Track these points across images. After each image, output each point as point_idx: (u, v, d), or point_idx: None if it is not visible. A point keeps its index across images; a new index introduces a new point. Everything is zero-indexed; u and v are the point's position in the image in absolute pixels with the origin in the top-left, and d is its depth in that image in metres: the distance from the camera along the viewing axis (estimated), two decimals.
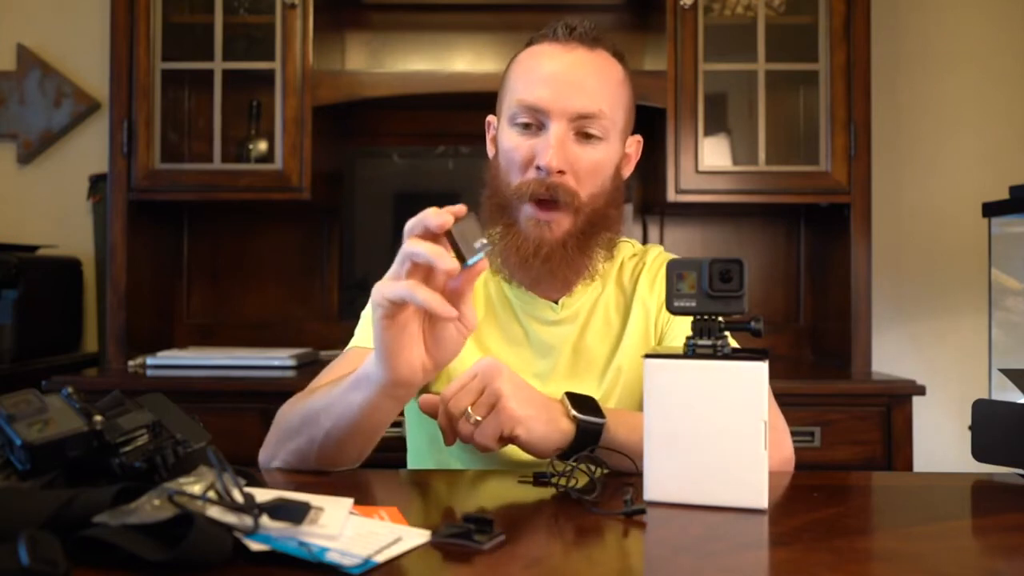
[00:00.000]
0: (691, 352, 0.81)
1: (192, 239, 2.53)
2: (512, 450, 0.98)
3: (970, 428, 0.98)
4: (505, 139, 1.14)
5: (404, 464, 1.27)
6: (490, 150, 1.21)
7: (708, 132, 2.25)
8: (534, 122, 1.11)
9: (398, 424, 1.29)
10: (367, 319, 1.15)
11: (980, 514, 0.86)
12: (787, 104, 2.39)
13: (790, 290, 2.54)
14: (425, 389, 1.16)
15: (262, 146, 2.36)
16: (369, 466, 1.02)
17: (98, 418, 0.69)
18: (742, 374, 0.79)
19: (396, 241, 0.89)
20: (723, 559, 0.67)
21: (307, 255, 2.54)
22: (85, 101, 2.53)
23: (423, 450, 1.21)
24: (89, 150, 2.53)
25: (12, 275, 2.16)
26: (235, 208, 2.47)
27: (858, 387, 2.01)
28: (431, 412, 1.00)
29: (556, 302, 1.18)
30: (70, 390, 0.71)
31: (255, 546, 0.62)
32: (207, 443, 0.73)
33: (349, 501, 0.71)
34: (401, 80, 2.26)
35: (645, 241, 2.40)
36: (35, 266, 2.26)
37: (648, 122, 2.21)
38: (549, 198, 1.09)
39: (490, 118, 1.22)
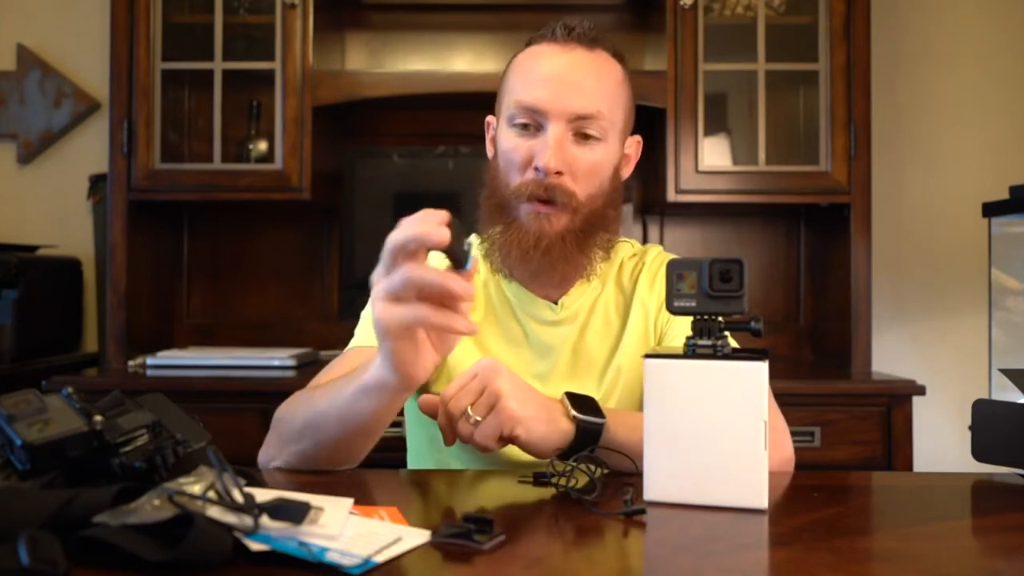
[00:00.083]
0: (691, 352, 0.81)
1: (192, 239, 2.53)
2: (512, 450, 0.98)
3: (970, 428, 0.98)
4: (504, 140, 1.14)
5: (404, 464, 1.27)
6: (489, 150, 1.21)
7: (708, 132, 2.25)
8: (532, 123, 1.11)
9: (398, 424, 1.29)
10: (367, 319, 1.15)
11: (980, 514, 0.86)
12: (787, 104, 2.39)
13: (790, 290, 2.54)
14: (425, 389, 1.16)
15: (262, 146, 2.36)
16: (369, 466, 1.02)
17: (98, 418, 0.69)
18: (742, 374, 0.79)
19: None
20: (723, 559, 0.67)
21: (307, 255, 2.54)
22: (85, 101, 2.53)
23: (423, 450, 1.21)
24: (89, 150, 2.53)
25: (12, 275, 2.16)
26: (235, 208, 2.47)
27: (858, 387, 2.01)
28: (431, 412, 1.00)
29: (555, 302, 1.18)
30: (70, 390, 0.71)
31: (255, 546, 0.62)
32: (207, 443, 0.73)
33: (349, 501, 0.71)
34: (401, 80, 2.26)
35: (645, 241, 2.40)
36: (35, 266, 2.26)
37: (648, 122, 2.21)
38: (547, 199, 1.09)
39: (489, 118, 1.22)
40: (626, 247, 1.25)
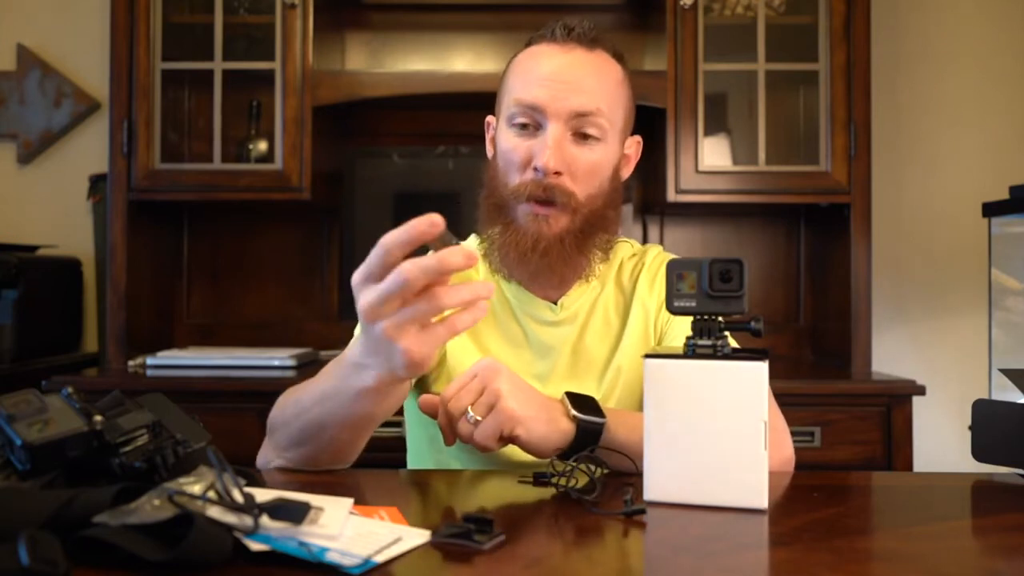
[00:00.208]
0: (691, 352, 0.81)
1: (192, 239, 2.53)
2: (512, 450, 0.98)
3: (970, 428, 0.98)
4: (503, 140, 1.14)
5: (404, 464, 1.27)
6: (489, 150, 1.21)
7: (708, 132, 2.25)
8: (532, 123, 1.11)
9: (398, 424, 1.29)
10: None
11: (980, 514, 0.86)
12: (787, 104, 2.39)
13: (790, 290, 2.54)
14: (425, 389, 1.16)
15: (262, 146, 2.36)
16: (369, 466, 1.02)
17: (98, 418, 0.69)
18: (742, 374, 0.79)
19: None
20: (723, 559, 0.67)
21: (307, 255, 2.54)
22: (85, 101, 2.53)
23: (423, 450, 1.21)
24: (89, 150, 2.53)
25: (12, 275, 2.16)
26: (235, 208, 2.47)
27: (858, 387, 2.01)
28: (431, 412, 1.00)
29: (555, 303, 1.18)
30: (70, 390, 0.71)
31: (255, 546, 0.62)
32: (207, 443, 0.73)
33: (349, 501, 0.71)
34: (401, 80, 2.26)
35: (645, 241, 2.40)
36: (35, 266, 2.26)
37: (648, 122, 2.21)
38: (546, 199, 1.09)
39: (489, 119, 1.22)
40: (626, 247, 1.25)
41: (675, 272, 0.82)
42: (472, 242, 1.23)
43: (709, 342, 0.81)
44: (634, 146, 1.21)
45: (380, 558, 0.63)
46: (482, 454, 1.07)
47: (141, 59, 2.18)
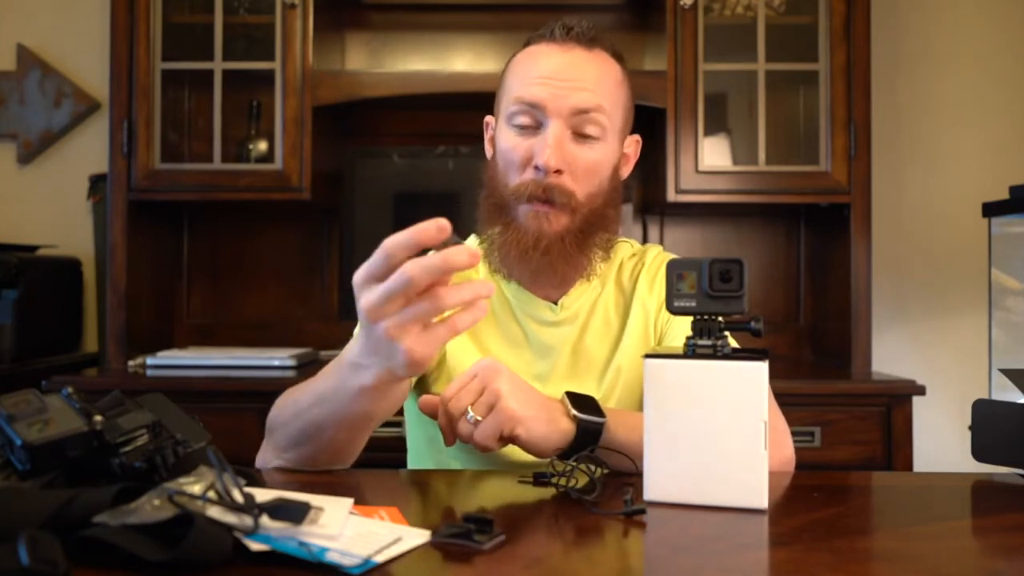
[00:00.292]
0: (691, 352, 0.81)
1: (192, 239, 2.53)
2: (512, 450, 0.98)
3: (970, 428, 0.98)
4: (503, 139, 1.14)
5: (404, 464, 1.27)
6: (488, 151, 1.21)
7: (708, 132, 2.25)
8: (532, 122, 1.11)
9: (398, 424, 1.29)
10: None
11: (980, 514, 0.86)
12: (787, 104, 2.39)
13: (790, 290, 2.54)
14: (425, 389, 1.16)
15: (262, 146, 2.36)
16: (369, 466, 1.02)
17: (98, 418, 0.69)
18: (742, 374, 0.79)
19: None
20: (723, 559, 0.67)
21: (307, 255, 2.54)
22: (85, 101, 2.53)
23: (422, 450, 1.21)
24: (89, 150, 2.53)
25: (12, 275, 2.16)
26: (235, 208, 2.47)
27: (858, 387, 2.01)
28: (431, 413, 1.00)
29: (555, 303, 1.18)
30: (70, 390, 0.71)
31: (255, 546, 0.62)
32: (207, 443, 0.73)
33: (349, 501, 0.71)
34: (401, 80, 2.26)
35: (645, 241, 2.40)
36: (35, 266, 2.26)
37: (648, 122, 2.21)
38: (546, 199, 1.09)
39: (488, 119, 1.22)
40: (625, 247, 1.25)
41: (675, 272, 0.82)
42: (472, 242, 1.23)
43: (709, 342, 0.81)
44: (633, 145, 1.21)
45: (380, 558, 0.63)
46: (482, 454, 1.07)
47: (141, 59, 2.18)
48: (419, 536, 0.68)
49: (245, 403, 1.94)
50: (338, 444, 0.96)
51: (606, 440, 0.96)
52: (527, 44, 1.17)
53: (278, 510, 0.64)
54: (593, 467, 0.89)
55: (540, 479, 0.89)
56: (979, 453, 0.97)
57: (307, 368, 2.13)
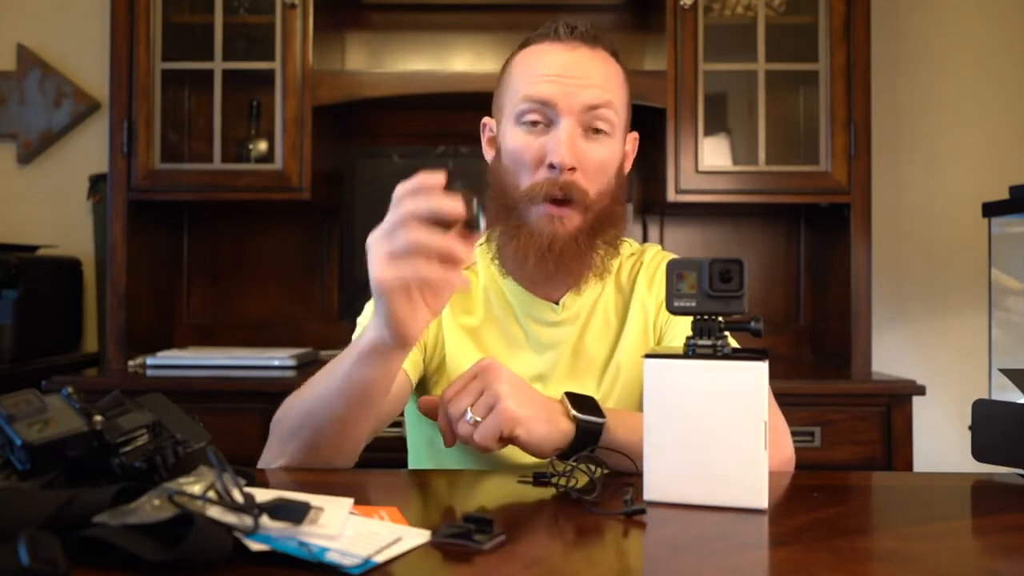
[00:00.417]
0: (691, 352, 0.81)
1: (192, 239, 2.53)
2: (512, 451, 0.98)
3: (970, 428, 0.98)
4: (510, 139, 1.12)
5: (404, 465, 1.27)
6: (487, 153, 1.21)
7: (708, 132, 2.25)
8: (542, 119, 1.10)
9: (398, 424, 1.29)
10: (365, 322, 1.15)
11: (980, 514, 0.86)
12: (787, 104, 2.39)
13: (790, 290, 2.54)
14: (425, 391, 1.16)
15: (262, 146, 2.36)
16: (369, 466, 1.02)
17: (98, 418, 0.69)
18: (742, 374, 0.79)
19: None
20: (723, 559, 0.67)
21: (307, 255, 2.54)
22: (85, 101, 2.53)
23: (422, 453, 1.21)
24: (89, 150, 2.53)
25: (12, 275, 2.16)
26: (235, 208, 2.47)
27: (858, 387, 2.01)
28: (431, 413, 1.00)
29: (556, 303, 1.18)
30: (70, 390, 0.71)
31: (255, 546, 0.62)
32: (207, 443, 0.73)
33: (349, 501, 0.71)
34: (401, 80, 2.26)
35: (645, 241, 2.40)
36: (35, 266, 2.26)
37: (648, 122, 2.21)
38: (563, 198, 1.09)
39: (486, 120, 1.21)
40: (624, 246, 1.25)
41: (675, 272, 0.82)
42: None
43: (709, 342, 0.81)
44: (631, 143, 1.21)
45: (380, 558, 0.63)
46: (482, 455, 1.07)
47: (141, 59, 2.18)
48: (419, 536, 0.68)
49: (245, 403, 1.94)
50: (337, 423, 0.95)
51: (606, 440, 0.96)
52: (525, 44, 1.17)
53: (278, 510, 0.64)
54: (593, 467, 0.89)
55: (540, 479, 0.89)
56: (979, 453, 0.97)
57: (307, 368, 2.13)
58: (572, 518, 0.78)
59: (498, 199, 1.13)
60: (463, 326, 1.17)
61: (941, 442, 2.45)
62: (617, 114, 1.12)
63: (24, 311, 2.18)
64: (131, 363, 2.16)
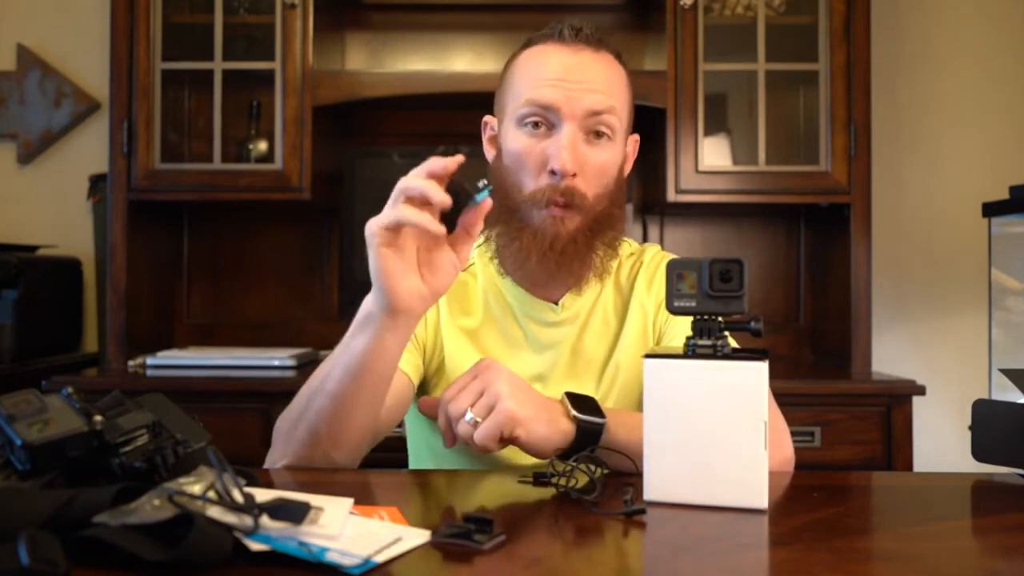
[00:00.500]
0: (691, 352, 0.81)
1: (192, 239, 2.53)
2: (512, 451, 0.98)
3: (970, 428, 0.98)
4: (512, 141, 1.12)
5: (404, 465, 1.27)
6: (488, 151, 1.21)
7: (708, 132, 2.25)
8: (544, 122, 1.10)
9: (399, 424, 1.29)
10: None
11: (980, 514, 0.86)
12: (787, 104, 2.39)
13: (790, 290, 2.54)
14: (425, 393, 1.16)
15: (262, 146, 2.36)
16: (369, 466, 1.02)
17: (98, 418, 0.69)
18: (742, 374, 0.79)
19: None
20: (723, 559, 0.67)
21: (307, 255, 2.54)
22: (85, 101, 2.53)
23: (422, 453, 1.21)
24: (89, 150, 2.53)
25: (12, 275, 2.16)
26: (235, 208, 2.47)
27: (858, 387, 2.01)
28: (431, 414, 1.00)
29: (556, 303, 1.17)
30: (70, 390, 0.71)
31: (255, 546, 0.62)
32: (207, 443, 0.73)
33: (349, 501, 0.71)
34: (401, 80, 2.26)
35: (645, 241, 2.40)
36: (35, 266, 2.26)
37: (648, 122, 2.21)
38: (565, 203, 1.09)
39: (487, 119, 1.21)
40: (624, 246, 1.25)
41: (675, 272, 0.82)
42: (469, 254, 1.23)
43: (709, 342, 0.81)
44: (632, 144, 1.21)
45: (380, 558, 0.63)
46: (482, 456, 1.07)
47: (141, 59, 2.18)
48: (419, 536, 0.68)
49: (245, 403, 1.94)
50: (335, 402, 0.95)
51: (606, 440, 0.96)
52: (528, 44, 1.16)
53: (278, 510, 0.64)
54: (593, 467, 0.89)
55: (540, 479, 0.89)
56: (979, 453, 0.97)
57: (307, 368, 2.13)
58: (572, 518, 0.78)
59: (500, 200, 1.13)
60: (462, 328, 1.17)
61: (941, 442, 2.45)
62: (619, 119, 1.12)
63: (24, 311, 2.18)
64: (131, 363, 2.16)
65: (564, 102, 1.08)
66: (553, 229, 1.09)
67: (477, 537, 0.67)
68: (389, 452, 1.33)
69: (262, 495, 0.65)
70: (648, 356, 0.81)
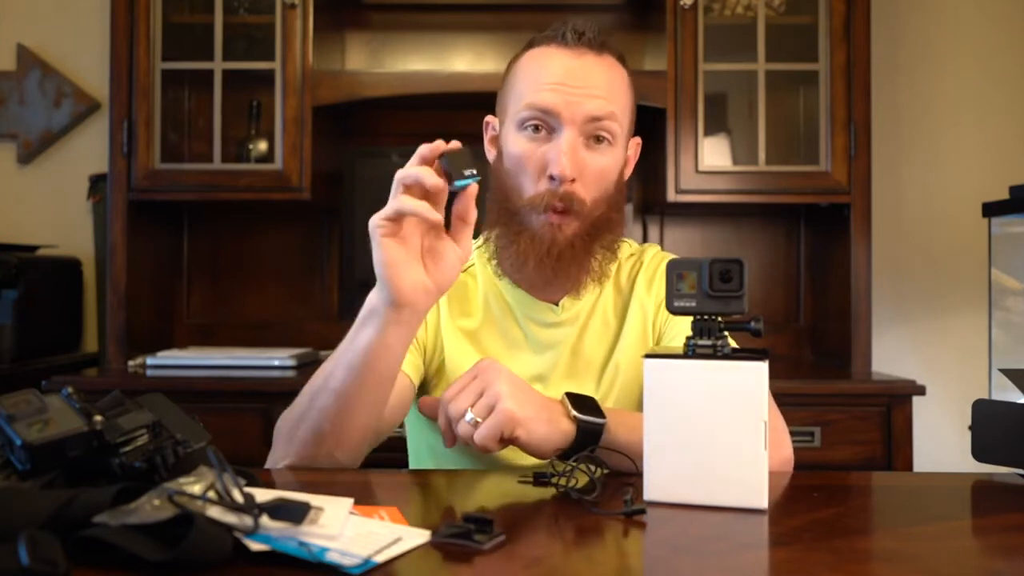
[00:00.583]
0: (691, 352, 0.81)
1: (192, 239, 2.53)
2: (512, 452, 0.98)
3: (970, 428, 0.98)
4: (512, 144, 1.12)
5: (404, 465, 1.27)
6: (489, 152, 1.20)
7: (708, 132, 2.25)
8: (544, 126, 1.09)
9: (399, 424, 1.29)
10: None
11: (980, 514, 0.86)
12: (787, 104, 2.39)
13: (790, 290, 2.54)
14: (425, 392, 1.16)
15: (262, 146, 2.36)
16: (369, 466, 1.02)
17: (98, 418, 0.69)
18: (742, 374, 0.79)
19: None
20: (723, 559, 0.67)
21: (307, 255, 2.54)
22: (85, 101, 2.53)
23: (423, 454, 1.21)
24: (89, 150, 2.53)
25: (12, 275, 2.16)
26: (235, 208, 2.47)
27: (858, 387, 2.01)
28: (431, 414, 1.00)
29: (556, 304, 1.17)
30: (70, 390, 0.71)
31: (255, 546, 0.62)
32: (207, 443, 0.73)
33: (349, 501, 0.71)
34: (401, 80, 2.26)
35: (645, 241, 2.40)
36: (35, 266, 2.26)
37: (648, 122, 2.21)
38: (564, 209, 1.09)
39: (489, 118, 1.21)
40: (624, 247, 1.25)
41: (675, 272, 0.82)
42: (471, 245, 1.23)
43: (709, 342, 0.81)
44: (634, 148, 1.21)
45: (380, 558, 0.63)
46: (482, 456, 1.07)
47: (141, 59, 2.18)
48: (419, 536, 0.68)
49: (245, 403, 1.94)
50: (338, 399, 0.95)
51: (606, 440, 0.96)
52: (531, 45, 1.16)
53: (278, 510, 0.64)
54: (593, 467, 0.89)
55: (540, 479, 0.89)
56: (979, 453, 0.97)
57: (307, 368, 2.13)
58: (572, 518, 0.78)
59: (500, 202, 1.13)
60: (462, 328, 1.17)
61: (941, 442, 2.45)
62: (619, 124, 1.12)
63: (24, 311, 2.18)
64: (131, 363, 2.16)
65: (564, 107, 1.08)
66: (550, 235, 1.09)
67: (477, 537, 0.67)
68: (389, 452, 1.33)
69: (262, 495, 0.65)
70: (648, 356, 0.81)
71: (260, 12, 2.28)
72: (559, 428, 0.95)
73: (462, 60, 2.54)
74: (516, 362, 1.15)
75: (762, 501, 0.79)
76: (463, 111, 2.27)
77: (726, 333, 0.81)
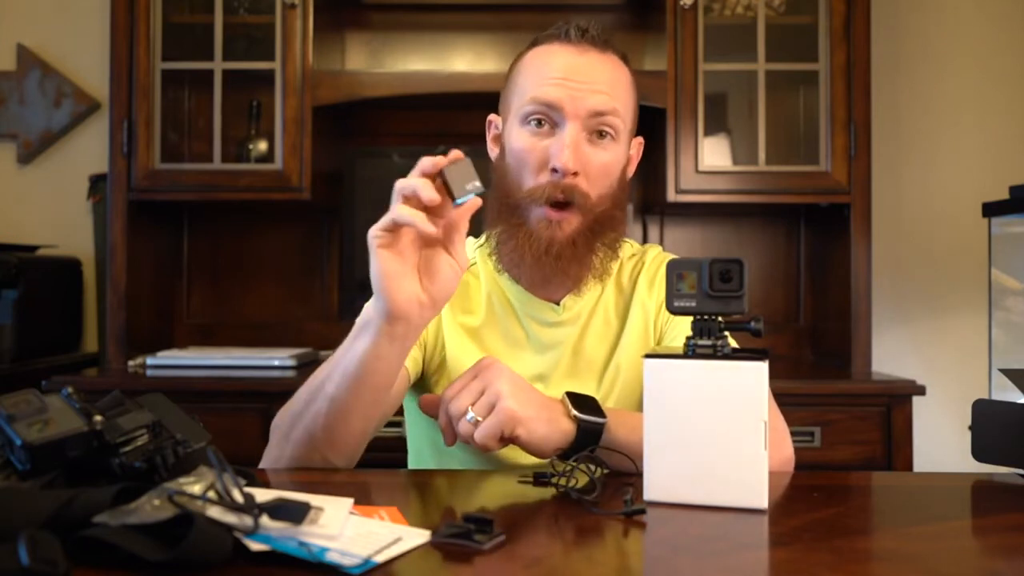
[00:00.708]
0: (691, 352, 0.81)
1: (192, 239, 2.53)
2: (512, 451, 0.98)
3: (970, 428, 0.98)
4: (515, 139, 1.12)
5: (404, 464, 1.27)
6: (492, 150, 1.21)
7: (708, 132, 2.25)
8: (547, 120, 1.10)
9: (398, 424, 1.29)
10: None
11: (980, 514, 0.86)
12: (787, 104, 2.39)
13: (790, 290, 2.54)
14: (425, 391, 1.16)
15: (262, 146, 2.36)
16: (369, 466, 1.02)
17: (98, 418, 0.69)
18: (742, 374, 0.79)
19: None
20: (723, 559, 0.67)
21: (307, 255, 2.54)
22: (85, 101, 2.53)
23: (423, 453, 1.21)
24: (89, 150, 2.53)
25: (12, 275, 2.16)
26: (235, 208, 2.47)
27: (858, 387, 2.01)
28: (431, 412, 1.00)
29: (557, 303, 1.17)
30: (70, 390, 0.71)
31: (255, 546, 0.62)
32: (207, 443, 0.73)
33: (349, 501, 0.71)
34: (401, 80, 2.26)
35: (645, 241, 2.40)
36: (35, 266, 2.26)
37: (648, 122, 2.20)
38: (564, 201, 1.09)
39: (492, 117, 1.21)
40: (625, 247, 1.25)
41: (675, 272, 0.82)
42: (471, 244, 1.23)
43: (709, 342, 0.81)
44: (636, 147, 1.21)
45: (380, 558, 0.63)
46: (482, 456, 1.07)
47: (141, 59, 2.18)
48: (419, 536, 0.68)
49: (245, 403, 1.94)
50: (333, 405, 0.95)
51: (606, 440, 0.96)
52: (535, 44, 1.16)
53: (278, 510, 0.64)
54: (593, 467, 0.89)
55: (540, 479, 0.89)
56: (979, 453, 0.97)
57: (307, 368, 2.13)
58: (572, 518, 0.78)
59: (501, 198, 1.13)
60: (464, 326, 1.17)
61: (941, 442, 2.45)
62: (623, 120, 1.12)
63: (24, 311, 2.18)
64: (131, 363, 2.16)
65: (568, 101, 1.08)
66: (548, 232, 1.09)
67: (477, 537, 0.67)
68: (389, 452, 1.33)
69: (262, 495, 0.65)
70: (648, 356, 0.81)
71: (260, 12, 2.28)
72: (559, 427, 0.95)
73: (462, 60, 2.54)
74: (517, 361, 1.15)
75: (762, 501, 0.79)
76: (463, 111, 2.28)
77: (726, 333, 0.81)
